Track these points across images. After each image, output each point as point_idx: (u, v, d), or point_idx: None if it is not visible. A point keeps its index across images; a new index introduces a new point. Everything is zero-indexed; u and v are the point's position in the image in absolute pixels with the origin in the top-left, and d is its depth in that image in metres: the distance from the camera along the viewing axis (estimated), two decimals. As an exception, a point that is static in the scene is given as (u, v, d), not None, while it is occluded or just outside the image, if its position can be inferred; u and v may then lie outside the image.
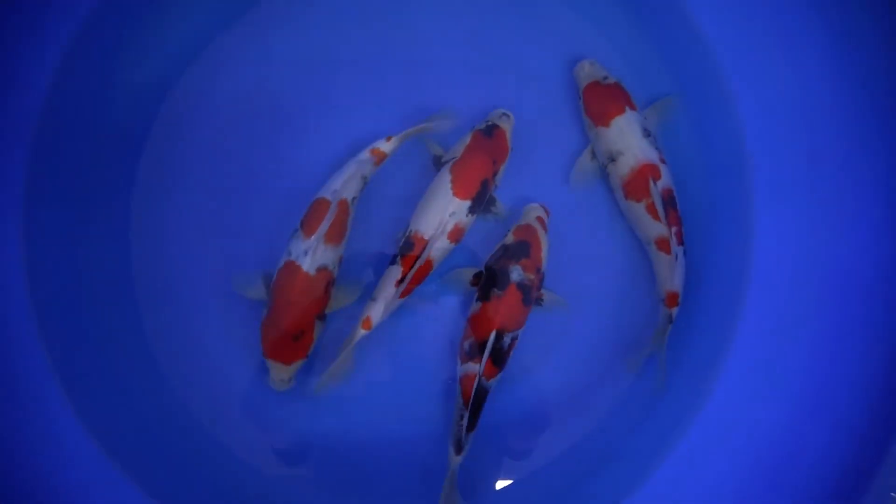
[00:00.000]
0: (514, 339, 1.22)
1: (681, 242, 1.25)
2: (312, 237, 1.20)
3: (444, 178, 1.26)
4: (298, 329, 1.20)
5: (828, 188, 1.28)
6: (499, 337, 1.20)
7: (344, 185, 1.24)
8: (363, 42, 1.41)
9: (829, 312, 1.25)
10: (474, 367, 1.19)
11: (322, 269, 1.21)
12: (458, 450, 1.19)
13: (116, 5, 1.29)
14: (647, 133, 1.28)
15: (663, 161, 1.28)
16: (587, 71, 1.33)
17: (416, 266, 1.21)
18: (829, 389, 1.23)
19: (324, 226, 1.20)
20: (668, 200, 1.25)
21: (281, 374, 1.22)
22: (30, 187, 1.23)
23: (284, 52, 1.40)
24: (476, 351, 1.20)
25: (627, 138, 1.27)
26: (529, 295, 1.23)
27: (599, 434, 1.34)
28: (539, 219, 1.29)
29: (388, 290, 1.23)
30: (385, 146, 1.28)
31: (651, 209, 1.25)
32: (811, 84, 1.28)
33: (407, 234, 1.25)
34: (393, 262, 1.24)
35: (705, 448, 1.24)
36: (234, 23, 1.40)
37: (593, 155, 1.34)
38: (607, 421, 1.35)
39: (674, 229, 1.24)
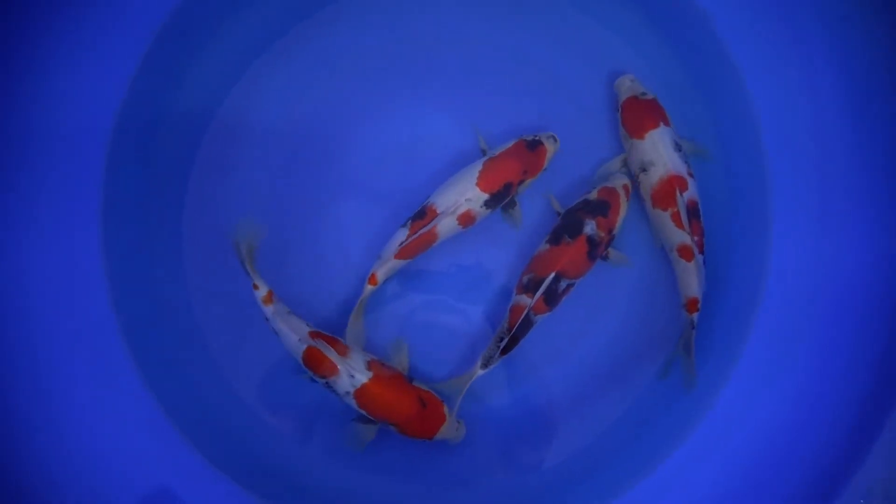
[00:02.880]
0: (569, 286, 1.30)
1: (701, 251, 1.32)
2: (339, 368, 1.25)
3: (475, 168, 1.34)
4: (416, 404, 1.27)
5: (840, 205, 1.33)
6: (557, 279, 1.28)
7: (295, 331, 1.28)
8: (410, 53, 1.47)
9: (839, 323, 1.31)
10: (526, 300, 1.28)
11: (368, 364, 1.28)
12: (485, 365, 1.28)
13: (172, 36, 1.37)
14: (678, 147, 1.35)
15: (691, 175, 1.34)
16: (627, 86, 1.40)
17: (421, 232, 1.30)
18: (832, 396, 1.28)
19: (331, 356, 1.25)
20: (693, 211, 1.32)
21: (449, 432, 1.30)
22: (106, 194, 1.32)
23: (328, 66, 1.47)
24: (532, 286, 1.28)
25: (659, 150, 1.34)
26: (596, 250, 1.31)
27: (607, 435, 1.39)
28: (625, 186, 1.36)
29: (391, 250, 1.32)
30: (262, 290, 1.30)
31: (676, 218, 1.31)
32: (827, 108, 1.34)
33: (424, 204, 1.34)
34: (403, 226, 1.34)
35: (711, 445, 1.30)
36: (278, 38, 1.47)
37: (622, 163, 1.41)
38: (616, 423, 1.40)
39: (696, 238, 1.31)
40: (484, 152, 1.40)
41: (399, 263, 1.34)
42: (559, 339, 1.41)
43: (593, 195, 1.34)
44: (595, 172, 1.44)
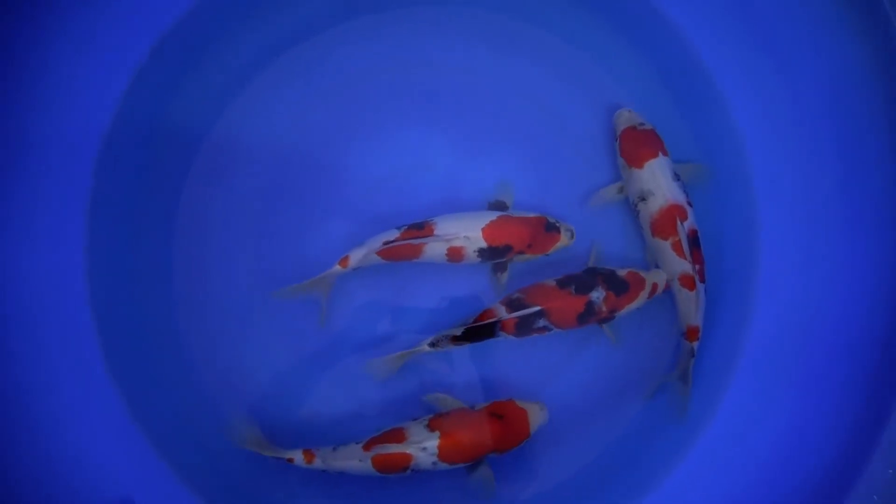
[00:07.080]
0: (545, 328, 1.29)
1: (703, 280, 1.33)
2: (409, 452, 1.22)
3: (490, 215, 1.34)
4: (495, 422, 1.25)
5: (828, 237, 1.37)
6: (539, 314, 1.27)
7: (351, 459, 1.23)
8: (406, 80, 1.48)
9: (827, 352, 1.33)
10: (503, 312, 1.27)
11: (429, 426, 1.25)
12: (433, 344, 1.27)
13: (168, 53, 1.39)
14: (676, 177, 1.36)
15: (690, 204, 1.35)
16: (626, 117, 1.42)
17: (409, 241, 1.30)
18: (820, 429, 1.29)
19: (394, 449, 1.22)
20: (693, 240, 1.33)
21: (537, 419, 1.29)
22: (93, 201, 1.33)
23: (325, 89, 1.47)
24: (515, 305, 1.28)
25: (658, 180, 1.35)
26: (588, 317, 1.30)
27: (600, 459, 1.38)
28: (654, 285, 1.33)
29: (374, 244, 1.31)
30: (298, 457, 1.24)
31: (676, 247, 1.32)
32: (815, 137, 1.38)
33: (428, 219, 1.33)
34: (398, 228, 1.33)
35: (699, 476, 1.30)
36: (277, 58, 1.47)
37: (618, 190, 1.42)
38: (610, 447, 1.39)
39: (697, 267, 1.32)
40: (505, 205, 1.40)
41: (375, 259, 1.32)
42: (544, 370, 1.40)
43: (623, 272, 1.33)
44: (590, 200, 1.45)
